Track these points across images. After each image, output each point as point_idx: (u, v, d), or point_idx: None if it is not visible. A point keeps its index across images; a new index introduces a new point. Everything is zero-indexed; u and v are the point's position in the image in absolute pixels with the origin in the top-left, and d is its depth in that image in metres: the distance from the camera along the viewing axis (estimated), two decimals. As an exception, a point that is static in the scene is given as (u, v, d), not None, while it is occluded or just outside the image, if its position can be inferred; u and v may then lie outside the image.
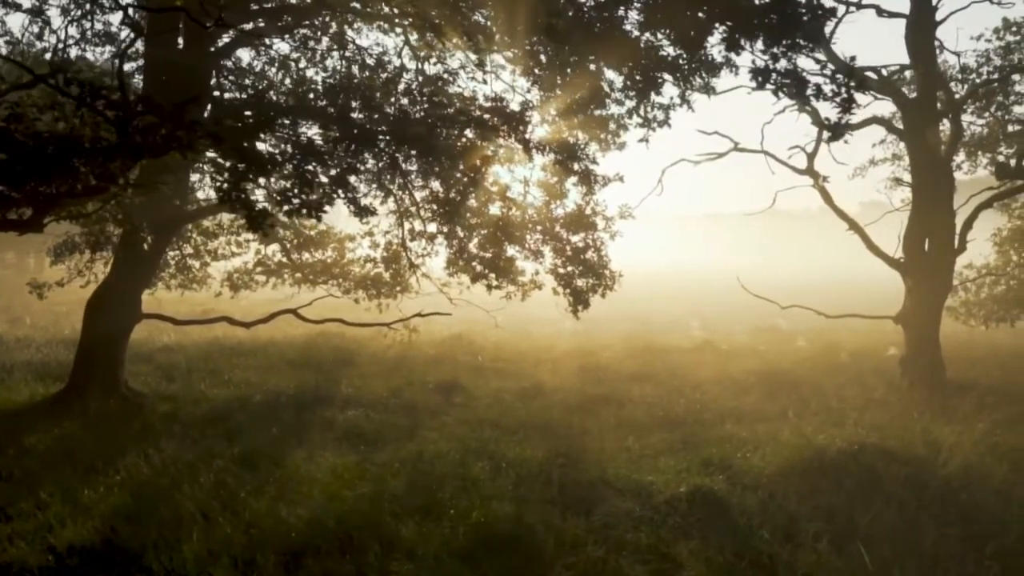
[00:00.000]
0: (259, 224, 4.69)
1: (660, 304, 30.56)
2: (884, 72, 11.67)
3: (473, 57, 8.77)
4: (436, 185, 11.61)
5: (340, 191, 6.51)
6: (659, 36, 6.70)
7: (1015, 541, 4.81)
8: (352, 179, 6.93)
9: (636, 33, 6.55)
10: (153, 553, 4.85)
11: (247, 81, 12.65)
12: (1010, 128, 14.37)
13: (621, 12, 6.39)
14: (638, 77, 6.70)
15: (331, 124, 10.24)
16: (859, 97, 12.82)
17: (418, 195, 12.56)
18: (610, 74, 8.72)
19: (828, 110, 6.83)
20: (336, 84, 11.16)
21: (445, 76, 12.50)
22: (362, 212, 7.06)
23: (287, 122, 7.43)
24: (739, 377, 11.89)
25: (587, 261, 10.08)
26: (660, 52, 6.69)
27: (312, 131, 9.09)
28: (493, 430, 8.92)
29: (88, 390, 9.37)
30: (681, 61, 6.77)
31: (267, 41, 12.83)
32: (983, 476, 5.84)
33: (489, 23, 8.92)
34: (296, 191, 5.58)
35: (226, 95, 12.43)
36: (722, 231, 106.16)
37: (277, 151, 7.10)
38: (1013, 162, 11.71)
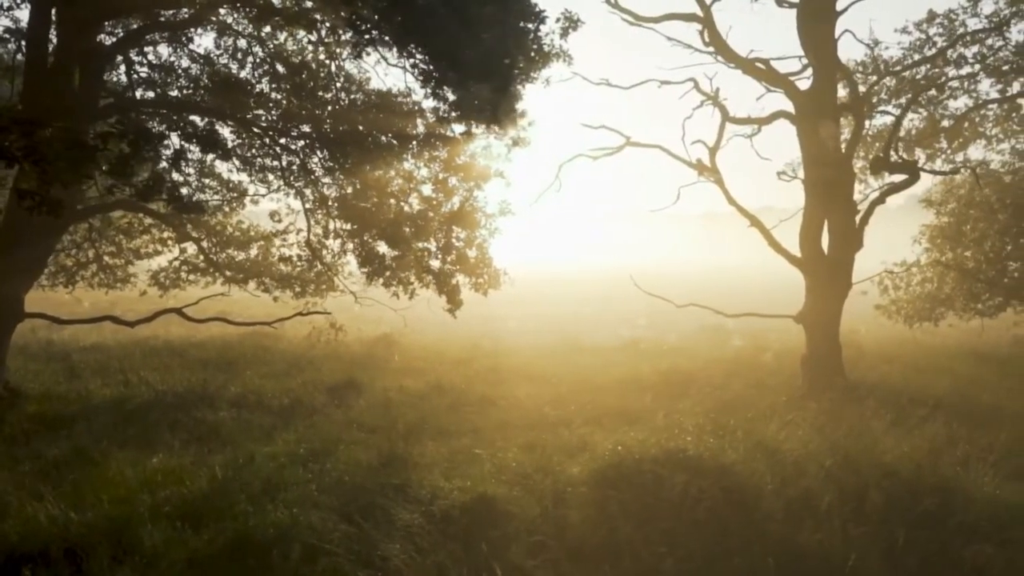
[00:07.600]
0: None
1: (623, 303, 30.14)
2: (782, 63, 11.27)
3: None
4: (333, 180, 11.50)
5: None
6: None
7: (756, 559, 4.53)
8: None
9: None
10: None
11: (154, 76, 12.53)
12: (944, 123, 13.95)
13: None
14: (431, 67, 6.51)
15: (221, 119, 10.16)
16: (759, 89, 12.52)
17: (327, 192, 12.44)
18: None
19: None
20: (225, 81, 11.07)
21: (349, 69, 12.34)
22: (185, 209, 6.91)
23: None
24: (643, 377, 11.62)
25: (466, 258, 9.92)
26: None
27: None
28: (356, 432, 8.76)
29: (-40, 390, 9.33)
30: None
31: (183, 38, 12.75)
32: (778, 487, 5.56)
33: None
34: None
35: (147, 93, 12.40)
36: (723, 229, 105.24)
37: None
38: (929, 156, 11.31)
